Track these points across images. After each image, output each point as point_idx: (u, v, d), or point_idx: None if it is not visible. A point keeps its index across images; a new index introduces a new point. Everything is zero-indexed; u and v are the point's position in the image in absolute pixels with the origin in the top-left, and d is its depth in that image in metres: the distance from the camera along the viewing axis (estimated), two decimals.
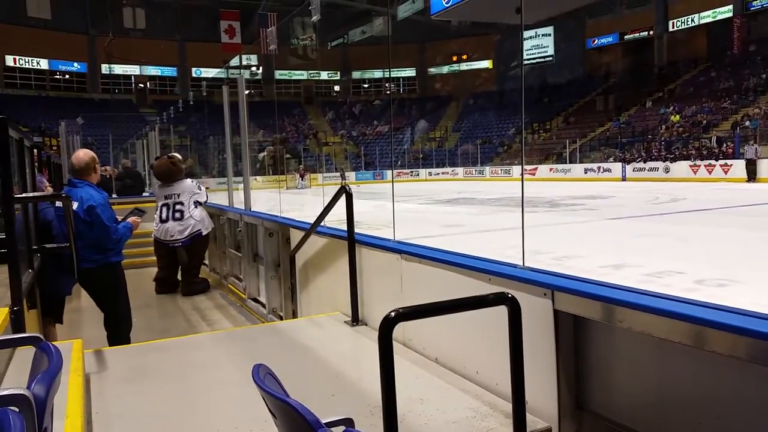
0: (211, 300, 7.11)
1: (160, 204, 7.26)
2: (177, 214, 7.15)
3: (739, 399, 1.76)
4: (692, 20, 36.81)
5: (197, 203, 7.28)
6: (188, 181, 7.48)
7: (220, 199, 8.09)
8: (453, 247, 3.23)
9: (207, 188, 8.18)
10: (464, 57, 48.00)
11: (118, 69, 43.58)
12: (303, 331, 3.87)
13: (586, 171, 29.88)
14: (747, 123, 26.68)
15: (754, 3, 33.40)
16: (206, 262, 8.89)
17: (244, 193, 6.89)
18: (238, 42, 39.25)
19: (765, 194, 15.47)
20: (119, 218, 4.54)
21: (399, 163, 39.88)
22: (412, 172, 37.76)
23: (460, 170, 37.92)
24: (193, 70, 44.63)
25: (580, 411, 2.25)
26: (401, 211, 4.31)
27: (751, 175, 21.86)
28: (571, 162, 32.17)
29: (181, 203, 7.19)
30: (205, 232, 7.31)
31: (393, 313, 1.67)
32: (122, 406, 2.69)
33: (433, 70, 50.24)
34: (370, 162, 40.73)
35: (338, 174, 35.29)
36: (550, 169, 31.89)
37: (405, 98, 49.16)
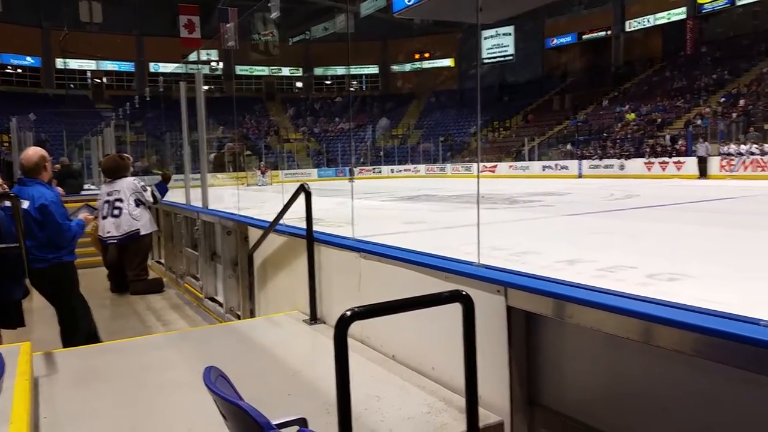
0: (167, 300, 6.98)
1: (103, 201, 7.14)
2: (116, 211, 7.03)
3: (684, 391, 1.81)
4: (648, 21, 37.75)
5: (139, 202, 7.14)
6: (130, 179, 7.33)
7: (176, 196, 7.96)
8: (414, 245, 3.24)
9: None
10: (427, 55, 48.27)
11: (74, 64, 42.51)
12: (260, 330, 3.83)
13: (544, 168, 30.40)
14: (699, 122, 27.50)
15: (705, 6, 34.40)
16: (162, 260, 8.74)
17: (201, 190, 6.80)
18: (198, 37, 38.63)
19: (716, 190, 15.99)
20: (71, 216, 4.44)
21: (361, 160, 39.86)
22: (374, 169, 37.82)
23: (422, 167, 38.15)
24: (151, 65, 43.84)
25: (532, 405, 2.28)
26: (363, 208, 4.32)
27: (703, 172, 22.57)
28: (529, 159, 32.68)
29: (121, 200, 7.05)
30: (144, 232, 7.12)
31: (349, 312, 1.67)
32: (72, 410, 2.62)
33: (395, 68, 50.40)
34: (332, 159, 40.61)
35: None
36: (510, 167, 32.37)
37: (367, 95, 49.17)
